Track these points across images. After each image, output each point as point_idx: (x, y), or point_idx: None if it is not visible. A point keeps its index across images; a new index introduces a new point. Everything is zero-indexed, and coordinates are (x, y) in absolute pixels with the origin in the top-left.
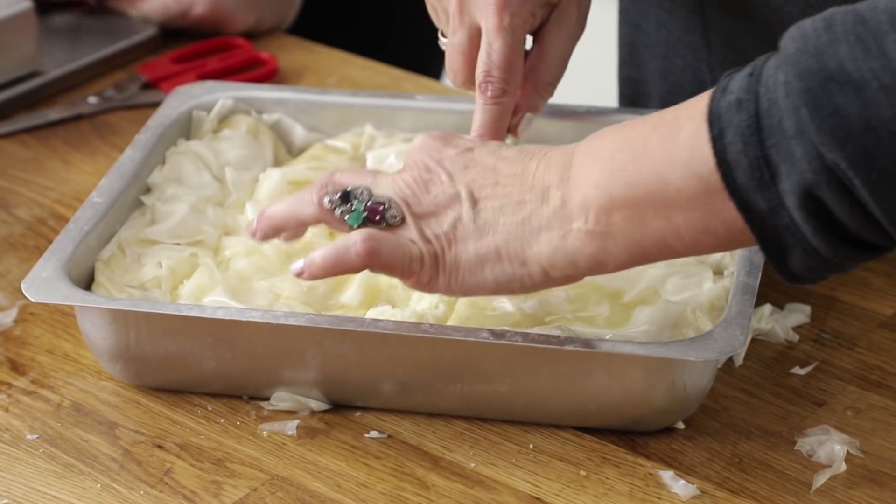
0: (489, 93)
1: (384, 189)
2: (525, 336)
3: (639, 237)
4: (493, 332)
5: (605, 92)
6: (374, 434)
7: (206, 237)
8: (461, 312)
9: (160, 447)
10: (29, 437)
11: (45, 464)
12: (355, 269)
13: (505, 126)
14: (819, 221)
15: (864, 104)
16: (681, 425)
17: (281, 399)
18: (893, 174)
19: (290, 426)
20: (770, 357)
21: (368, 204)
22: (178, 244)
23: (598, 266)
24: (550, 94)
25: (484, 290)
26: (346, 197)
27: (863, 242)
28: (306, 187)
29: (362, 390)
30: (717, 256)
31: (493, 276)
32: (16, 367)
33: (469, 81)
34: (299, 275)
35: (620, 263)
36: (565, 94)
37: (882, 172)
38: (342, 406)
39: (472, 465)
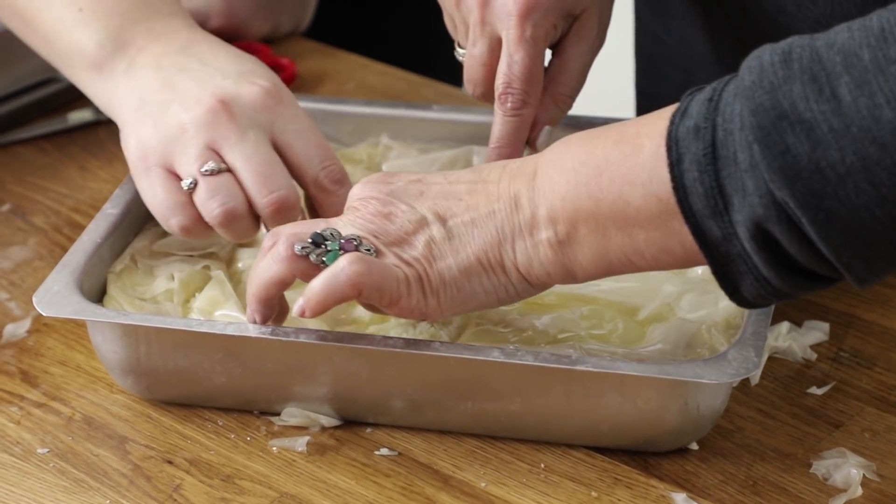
0: (509, 104)
1: (346, 228)
2: (536, 355)
3: (604, 250)
4: (503, 352)
5: (622, 100)
6: (384, 451)
7: (218, 249)
8: (473, 329)
9: (170, 462)
10: (40, 450)
11: (54, 479)
12: (348, 295)
13: (523, 138)
14: (769, 253)
15: (813, 146)
16: (695, 446)
17: (292, 415)
18: (840, 215)
19: (301, 442)
20: (787, 376)
21: (342, 241)
22: (191, 255)
23: (569, 275)
24: (569, 106)
25: (473, 303)
26: (317, 240)
27: (813, 273)
28: (259, 253)
29: (373, 407)
30: None
31: (480, 288)
32: (28, 379)
33: (488, 93)
34: (302, 314)
35: (589, 274)
36: (580, 103)
37: (829, 213)
38: (353, 422)
39: (483, 484)
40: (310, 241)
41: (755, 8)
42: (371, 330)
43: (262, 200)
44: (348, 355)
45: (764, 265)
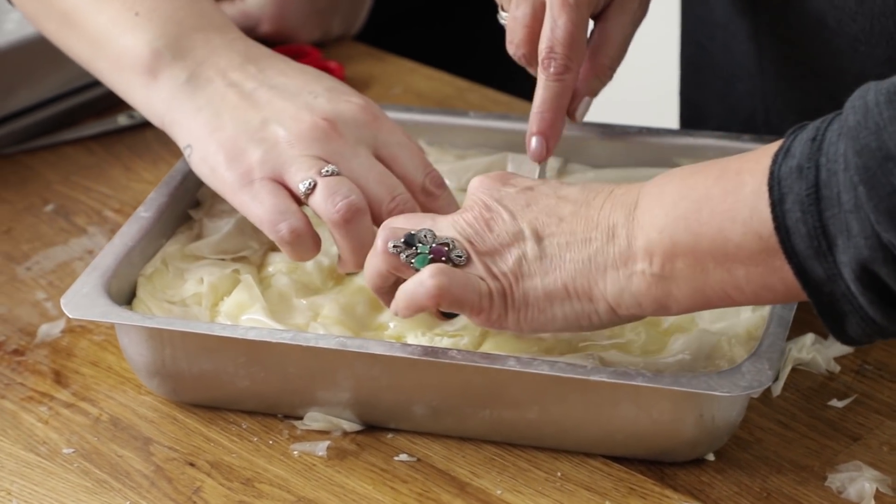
0: (552, 69)
1: (446, 230)
2: (552, 365)
3: (701, 285)
4: (519, 361)
5: (667, 109)
6: (403, 457)
7: (250, 253)
8: (496, 336)
9: (192, 465)
10: (65, 451)
11: (77, 479)
12: (428, 307)
13: (565, 105)
14: (875, 293)
15: None
16: (711, 457)
17: (314, 419)
18: None
19: (321, 447)
20: (809, 388)
21: (433, 246)
22: (222, 259)
23: (662, 308)
24: (610, 77)
25: (552, 326)
26: (409, 241)
27: None
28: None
29: (393, 413)
30: None
31: (561, 313)
32: (59, 380)
33: (530, 56)
34: (396, 314)
35: (683, 308)
36: (626, 113)
37: None
38: (375, 427)
39: (499, 492)
40: (402, 240)
41: (799, 21)
42: (389, 334)
43: (389, 206)
44: (368, 362)
45: (869, 305)
